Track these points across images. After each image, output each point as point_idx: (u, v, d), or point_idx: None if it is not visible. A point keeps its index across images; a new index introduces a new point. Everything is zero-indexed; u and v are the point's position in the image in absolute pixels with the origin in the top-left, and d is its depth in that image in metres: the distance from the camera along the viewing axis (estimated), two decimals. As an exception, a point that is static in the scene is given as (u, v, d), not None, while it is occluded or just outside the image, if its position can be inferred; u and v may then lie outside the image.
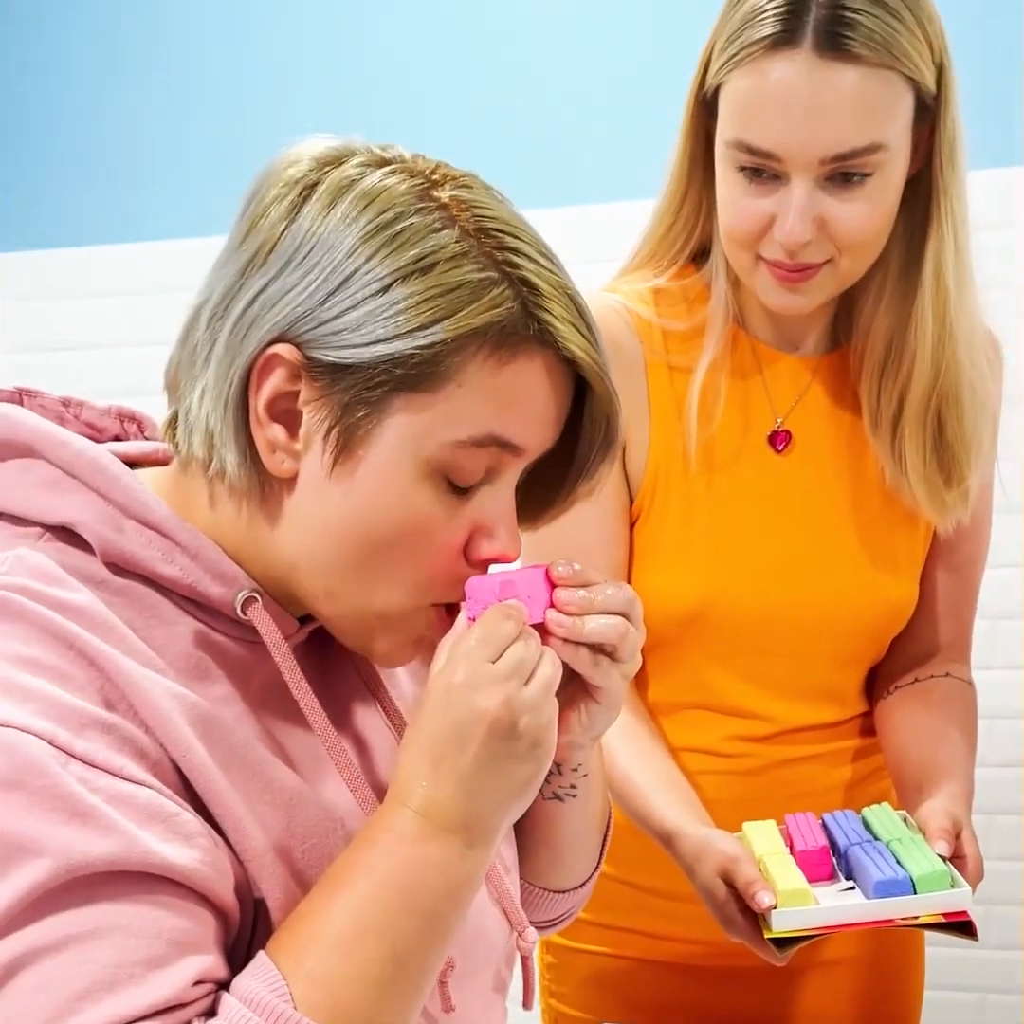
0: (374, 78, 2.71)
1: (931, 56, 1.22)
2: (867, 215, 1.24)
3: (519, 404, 0.84)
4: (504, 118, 2.64)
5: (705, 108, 1.30)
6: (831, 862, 1.21)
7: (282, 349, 0.82)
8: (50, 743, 0.74)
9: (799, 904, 1.14)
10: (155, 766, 0.78)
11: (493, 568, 0.88)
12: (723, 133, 1.25)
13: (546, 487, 0.92)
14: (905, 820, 1.26)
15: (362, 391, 0.81)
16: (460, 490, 0.84)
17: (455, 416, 0.82)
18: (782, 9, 1.20)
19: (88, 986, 0.72)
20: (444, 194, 0.84)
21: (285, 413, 0.83)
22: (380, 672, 0.98)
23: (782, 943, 1.14)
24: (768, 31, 1.20)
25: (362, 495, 0.83)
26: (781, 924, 1.13)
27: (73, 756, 0.75)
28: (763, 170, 1.23)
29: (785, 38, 1.19)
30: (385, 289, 0.80)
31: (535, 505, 0.93)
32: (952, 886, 1.14)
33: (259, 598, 0.86)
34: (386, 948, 0.78)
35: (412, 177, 0.84)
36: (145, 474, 0.90)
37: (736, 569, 1.36)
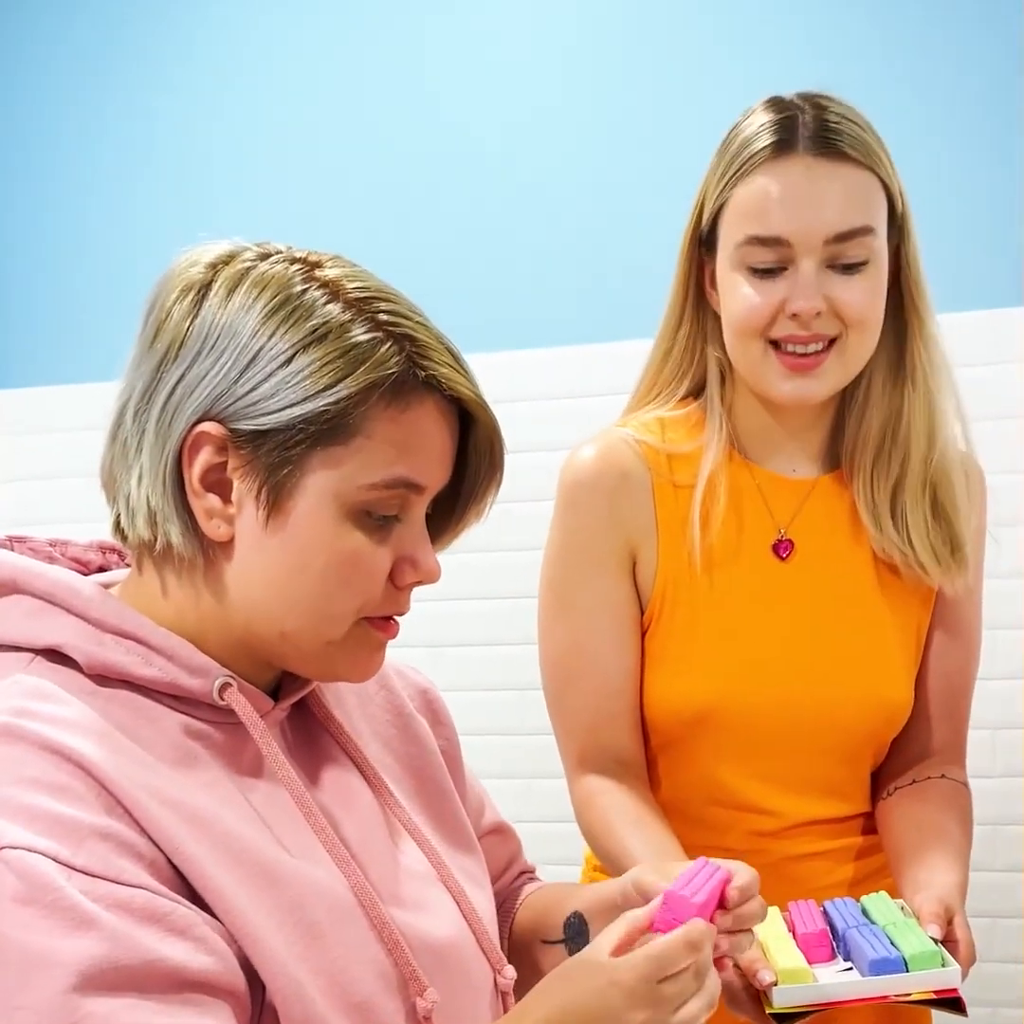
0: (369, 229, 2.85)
1: (893, 173, 1.42)
2: (868, 293, 1.40)
3: (419, 447, 0.95)
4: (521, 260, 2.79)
5: (699, 246, 1.46)
6: (830, 944, 1.28)
7: (207, 427, 0.93)
8: (55, 859, 0.82)
9: (797, 981, 1.20)
10: (151, 865, 0.86)
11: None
12: (731, 241, 1.41)
13: (441, 515, 1.04)
14: (902, 908, 1.32)
15: (283, 451, 0.92)
16: (380, 524, 0.96)
17: (366, 464, 0.93)
18: (775, 127, 1.40)
19: None
20: (323, 274, 0.96)
21: (217, 484, 0.94)
22: (353, 736, 1.08)
23: (782, 1019, 1.21)
24: (767, 142, 1.39)
25: (296, 541, 0.93)
26: (781, 1000, 1.20)
27: (75, 869, 0.83)
28: (772, 265, 1.39)
29: (782, 147, 1.39)
30: (289, 360, 0.92)
31: (431, 533, 1.03)
32: (943, 965, 1.20)
33: (233, 682, 0.97)
34: None
35: (293, 263, 0.96)
36: (113, 590, 1.01)
37: (741, 670, 1.45)
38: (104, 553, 1.08)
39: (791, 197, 1.37)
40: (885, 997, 1.21)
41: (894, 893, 1.45)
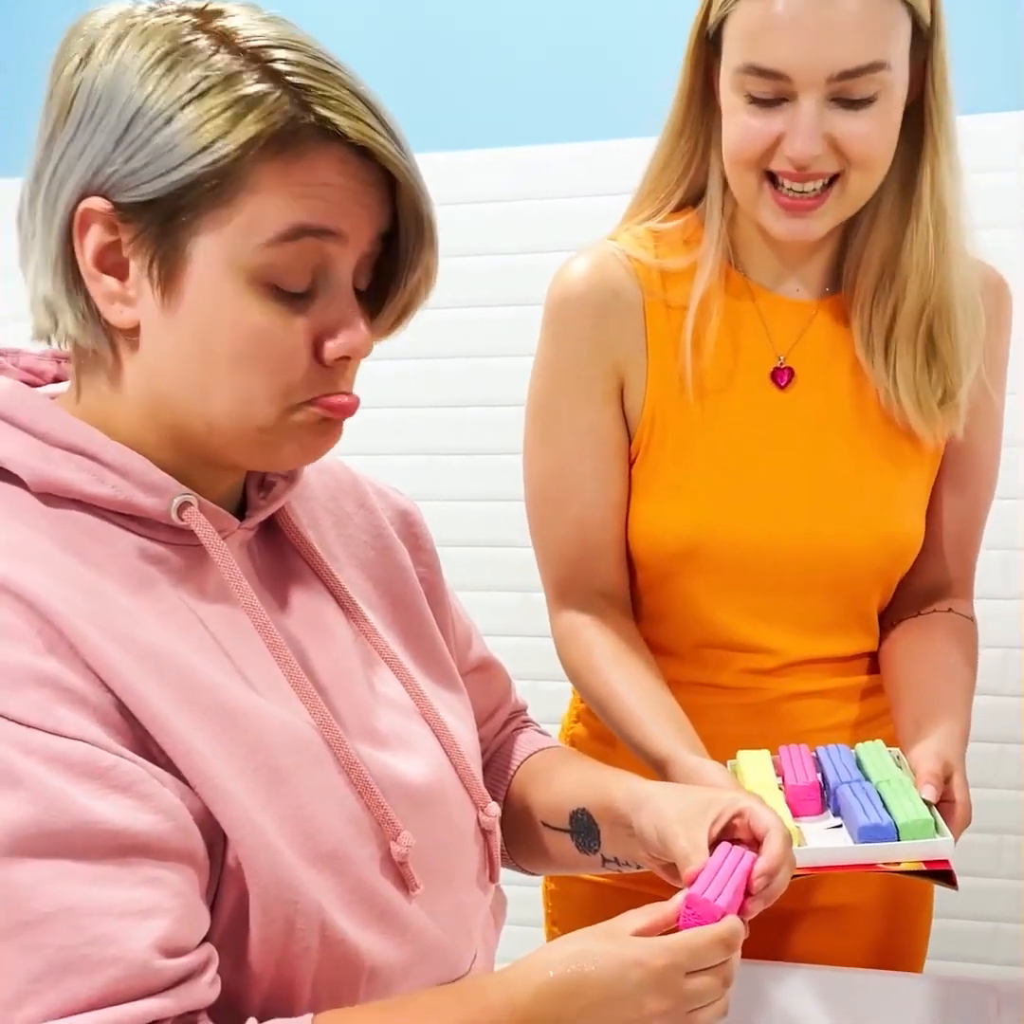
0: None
1: None
2: (873, 132, 1.26)
3: (317, 193, 0.85)
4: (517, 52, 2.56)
5: (706, 45, 1.31)
6: (820, 798, 1.22)
7: (91, 202, 0.84)
8: None
9: (784, 844, 1.14)
10: (96, 711, 0.80)
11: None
12: (731, 62, 1.26)
13: (382, 291, 0.93)
14: (897, 759, 1.26)
15: (167, 222, 0.84)
16: (293, 297, 0.86)
17: (257, 219, 0.84)
18: None
19: (41, 971, 0.75)
20: (218, 23, 0.86)
21: (115, 266, 0.86)
22: (327, 559, 1.00)
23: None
24: None
25: (195, 319, 0.85)
26: (763, 862, 1.14)
27: (9, 718, 0.77)
28: (771, 97, 1.24)
29: None
30: (168, 121, 0.82)
31: (376, 310, 0.94)
32: (936, 834, 1.14)
33: (193, 501, 0.89)
34: None
35: (184, 13, 0.86)
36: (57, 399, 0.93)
37: (733, 501, 1.37)
38: (58, 362, 0.99)
39: (795, 23, 1.21)
40: (873, 866, 1.15)
41: (894, 736, 1.38)
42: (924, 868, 1.14)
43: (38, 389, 0.95)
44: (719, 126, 1.32)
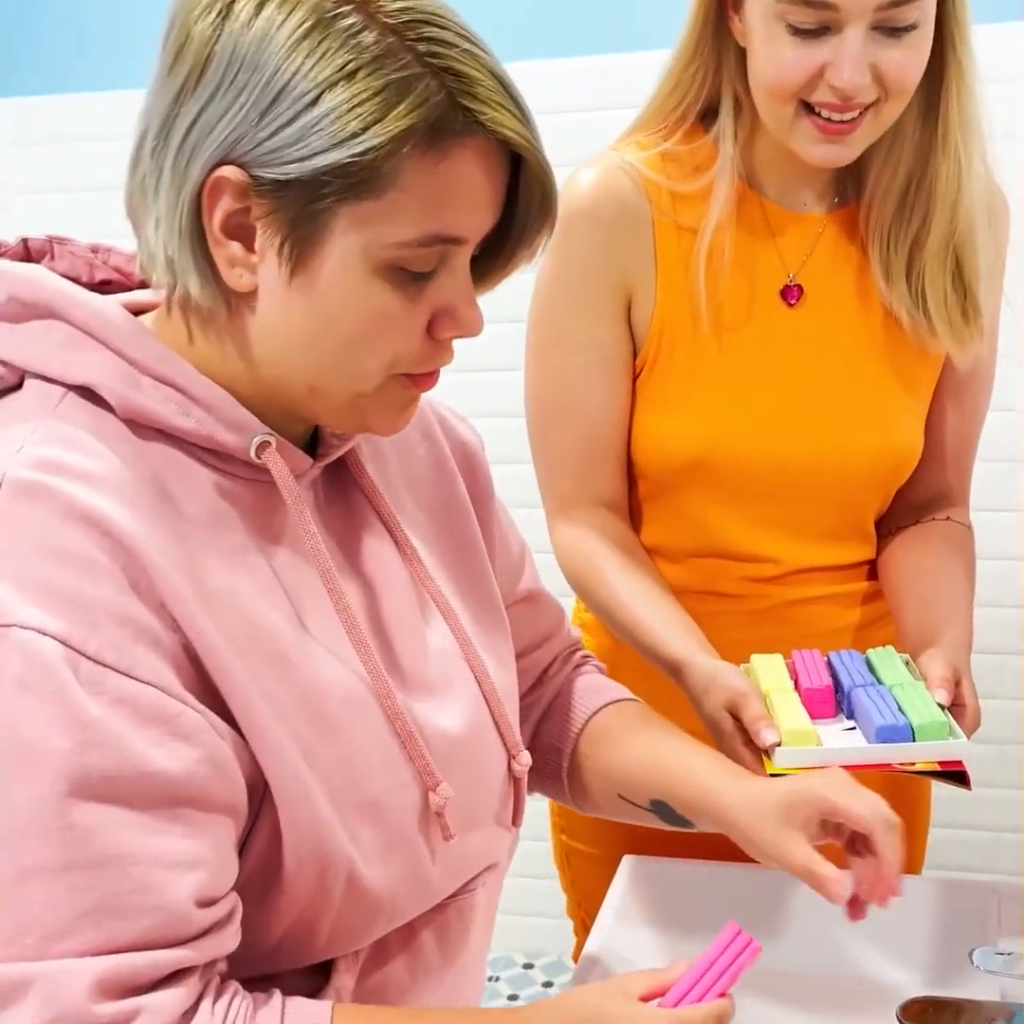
0: None
1: None
2: (914, 61, 1.26)
3: (459, 198, 0.85)
4: None
5: None
6: (834, 701, 1.25)
7: (227, 171, 0.83)
8: (65, 643, 0.78)
9: (802, 744, 1.18)
10: (168, 653, 0.82)
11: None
12: None
13: (489, 256, 0.94)
14: (907, 664, 1.29)
15: (307, 204, 0.83)
16: (415, 279, 0.86)
17: (397, 217, 0.84)
18: None
19: (86, 910, 0.77)
20: None
21: (239, 229, 0.85)
22: (387, 497, 1.01)
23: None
24: None
25: (322, 301, 0.85)
26: (783, 761, 1.17)
27: (86, 656, 0.78)
28: (814, 27, 1.23)
29: None
30: (314, 102, 0.81)
31: (479, 274, 0.94)
32: (950, 736, 1.18)
33: (273, 441, 0.90)
34: None
35: None
36: (145, 319, 0.92)
37: (742, 415, 1.38)
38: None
39: None
40: (888, 766, 1.18)
41: (895, 640, 1.42)
42: (938, 768, 1.18)
43: (123, 295, 0.94)
44: (732, 50, 1.32)
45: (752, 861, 1.09)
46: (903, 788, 1.50)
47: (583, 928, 1.59)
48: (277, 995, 0.86)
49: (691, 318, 1.38)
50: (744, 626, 1.44)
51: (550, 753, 1.19)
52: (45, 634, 0.77)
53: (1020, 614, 2.40)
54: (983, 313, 1.38)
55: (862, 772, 1.18)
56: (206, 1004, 0.82)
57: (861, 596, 1.49)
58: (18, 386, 0.90)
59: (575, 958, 1.57)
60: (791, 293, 1.40)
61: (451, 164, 0.84)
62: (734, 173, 1.36)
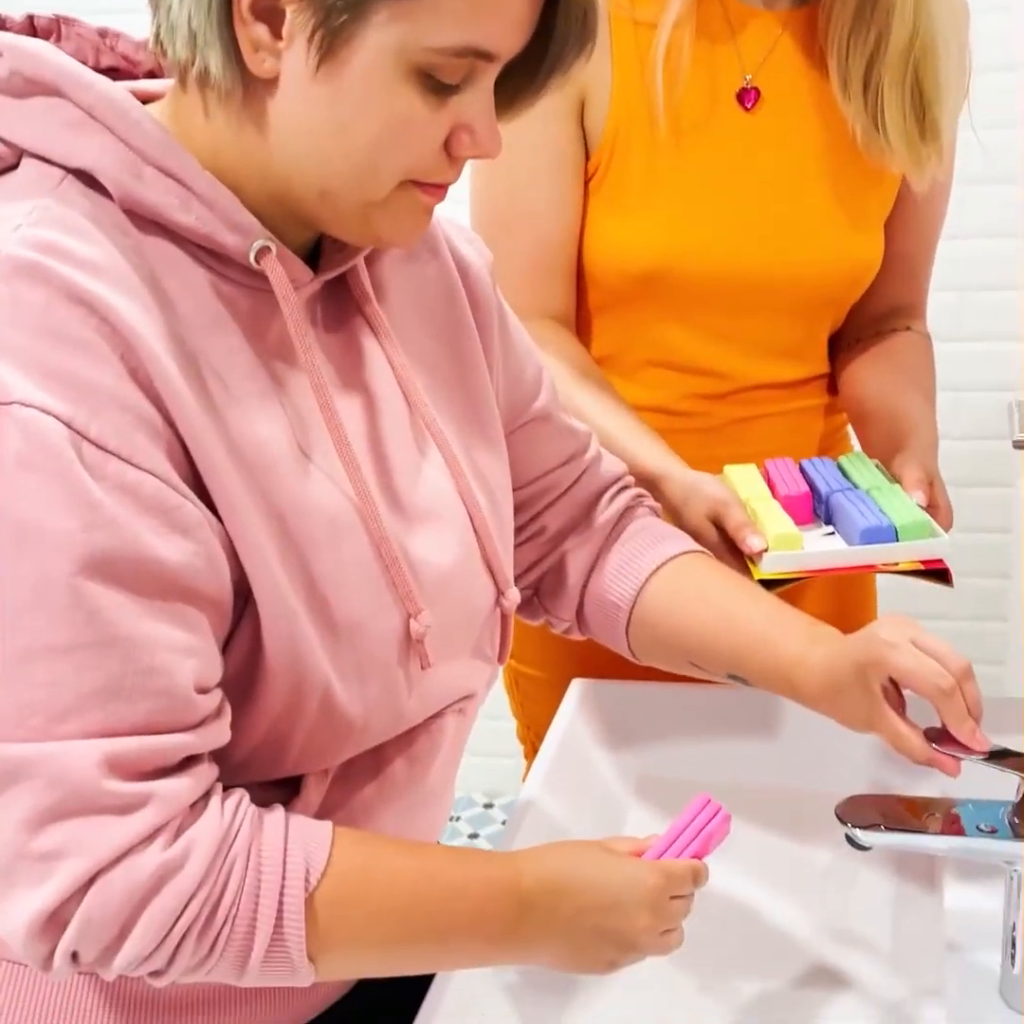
0: None
1: None
2: None
3: (498, 12, 0.82)
4: None
5: None
6: (813, 507, 1.25)
7: None
8: (68, 425, 0.75)
9: (789, 548, 1.17)
10: (167, 446, 0.79)
11: None
12: None
13: (517, 77, 0.89)
14: (879, 467, 1.29)
15: None
16: (441, 89, 0.83)
17: (436, 23, 0.80)
18: None
19: (91, 691, 0.76)
20: None
21: (268, 12, 0.80)
22: (388, 316, 0.98)
23: (768, 585, 1.18)
24: None
25: (346, 96, 0.81)
26: (771, 567, 1.17)
27: (88, 439, 0.76)
28: None
29: None
30: None
31: (505, 96, 0.90)
32: (932, 535, 1.18)
33: (273, 247, 0.86)
34: (402, 940, 0.87)
35: None
36: (152, 107, 0.87)
37: (701, 224, 1.35)
38: (157, 57, 0.92)
39: None
40: (872, 567, 1.19)
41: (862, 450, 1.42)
42: (922, 567, 1.19)
43: (130, 82, 0.89)
44: None
45: (698, 681, 1.07)
46: (845, 602, 1.52)
47: (533, 752, 1.59)
48: (279, 808, 0.85)
49: (647, 119, 1.33)
50: (690, 444, 1.40)
51: (607, 608, 1.15)
52: (48, 413, 0.75)
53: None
54: (942, 133, 1.35)
55: (814, 578, 1.19)
56: (215, 801, 0.82)
57: (818, 411, 1.48)
58: (15, 167, 0.85)
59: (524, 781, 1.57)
60: (748, 96, 1.36)
61: None
62: None
